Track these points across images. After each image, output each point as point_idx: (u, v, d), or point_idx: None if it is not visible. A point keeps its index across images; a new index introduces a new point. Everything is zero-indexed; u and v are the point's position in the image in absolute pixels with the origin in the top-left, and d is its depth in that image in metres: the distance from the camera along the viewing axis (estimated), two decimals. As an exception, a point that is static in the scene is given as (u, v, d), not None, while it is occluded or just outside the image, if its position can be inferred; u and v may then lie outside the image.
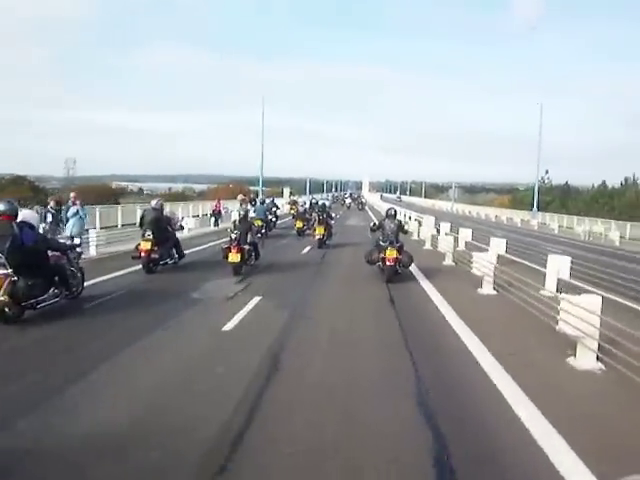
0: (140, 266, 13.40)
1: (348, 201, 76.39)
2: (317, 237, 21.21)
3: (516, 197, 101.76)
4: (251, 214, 20.35)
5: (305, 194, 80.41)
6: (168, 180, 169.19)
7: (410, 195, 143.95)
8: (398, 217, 15.09)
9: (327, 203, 72.44)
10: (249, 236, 13.99)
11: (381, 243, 13.47)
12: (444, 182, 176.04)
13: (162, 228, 13.88)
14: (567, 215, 51.56)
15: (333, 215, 25.24)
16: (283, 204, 46.12)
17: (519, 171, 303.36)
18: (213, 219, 31.06)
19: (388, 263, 12.92)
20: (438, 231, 23.92)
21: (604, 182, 72.19)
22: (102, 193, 66.29)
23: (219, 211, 31.37)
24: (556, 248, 25.52)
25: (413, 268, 14.75)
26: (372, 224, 15.49)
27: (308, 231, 24.99)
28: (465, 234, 21.60)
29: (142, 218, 14.32)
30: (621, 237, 33.62)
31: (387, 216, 14.28)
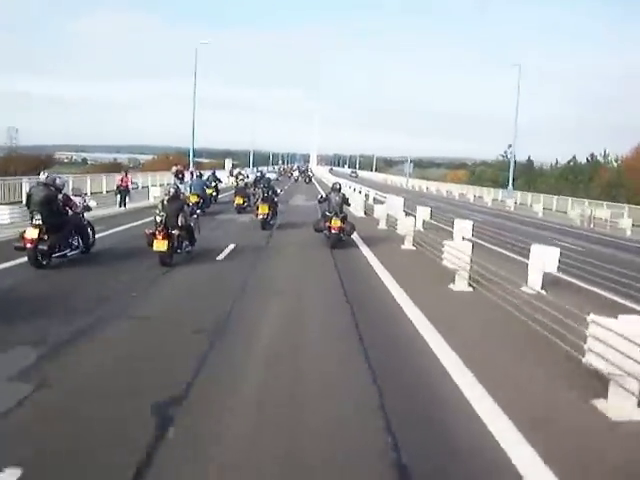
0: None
1: (296, 174, 74.24)
2: (260, 217, 17.93)
3: (474, 172, 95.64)
4: (184, 189, 18.36)
5: (249, 167, 73.02)
6: (114, 151, 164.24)
7: (360, 169, 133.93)
8: (343, 190, 16.29)
9: (273, 176, 65.28)
10: (180, 218, 11.35)
11: (327, 213, 14.82)
12: (393, 156, 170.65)
13: (56, 210, 10.84)
14: (543, 194, 45.11)
15: (279, 191, 21.67)
16: (226, 177, 40.48)
17: (469, 146, 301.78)
18: (119, 197, 23.33)
19: (333, 231, 14.43)
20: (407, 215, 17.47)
21: (574, 158, 66.84)
22: (31, 163, 57.92)
23: (126, 187, 23.46)
24: (571, 242, 19.09)
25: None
26: (320, 196, 16.45)
27: (249, 207, 22.06)
28: (461, 227, 14.91)
29: (29, 197, 11.12)
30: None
31: (333, 190, 15.60)
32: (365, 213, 24.73)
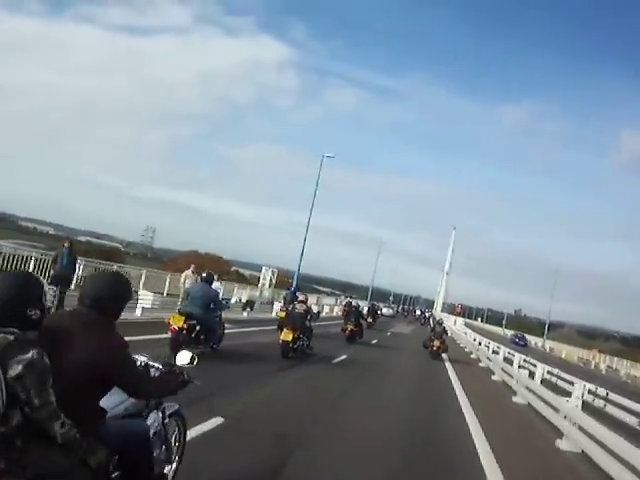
0: None
1: (418, 313, 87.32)
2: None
3: None
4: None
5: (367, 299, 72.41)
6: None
7: (506, 328, 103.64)
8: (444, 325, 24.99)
9: (389, 312, 72.08)
10: None
11: (432, 337, 22.37)
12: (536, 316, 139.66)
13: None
14: None
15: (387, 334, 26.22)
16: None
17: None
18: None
19: (434, 348, 21.82)
20: None
21: None
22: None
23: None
24: None
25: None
26: (429, 327, 28.93)
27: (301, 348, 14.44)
28: None
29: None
30: None
31: (437, 323, 24.21)
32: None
